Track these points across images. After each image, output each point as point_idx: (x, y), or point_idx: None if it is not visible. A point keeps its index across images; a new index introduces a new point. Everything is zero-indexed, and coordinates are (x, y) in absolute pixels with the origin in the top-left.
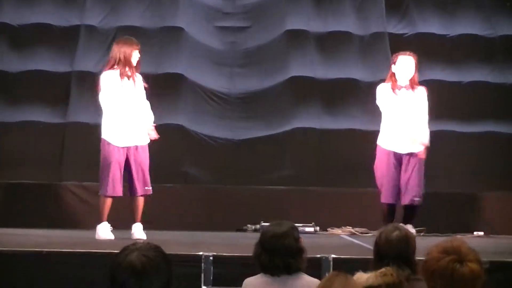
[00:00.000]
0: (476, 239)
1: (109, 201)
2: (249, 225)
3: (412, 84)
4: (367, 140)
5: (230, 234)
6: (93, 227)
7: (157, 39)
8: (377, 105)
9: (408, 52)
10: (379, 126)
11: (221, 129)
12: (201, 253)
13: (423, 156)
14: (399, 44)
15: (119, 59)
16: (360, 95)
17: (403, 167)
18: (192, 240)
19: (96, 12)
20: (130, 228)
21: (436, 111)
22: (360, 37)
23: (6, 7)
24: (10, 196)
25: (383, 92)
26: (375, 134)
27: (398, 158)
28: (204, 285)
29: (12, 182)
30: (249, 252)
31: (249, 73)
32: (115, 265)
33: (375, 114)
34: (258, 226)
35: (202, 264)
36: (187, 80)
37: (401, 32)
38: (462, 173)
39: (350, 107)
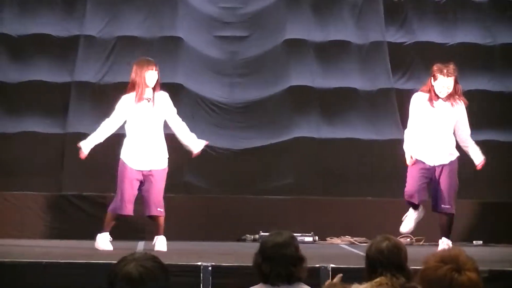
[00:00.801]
0: (475, 248)
1: (115, 217)
2: (248, 235)
3: (452, 98)
4: (367, 149)
5: (229, 244)
6: (93, 237)
7: (156, 49)
8: (378, 114)
9: (448, 72)
10: (378, 135)
11: (221, 138)
12: (199, 263)
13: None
14: (398, 53)
15: (135, 82)
16: (359, 104)
17: (435, 178)
18: (191, 250)
19: (95, 22)
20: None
21: None
22: (359, 46)
23: (6, 18)
24: (10, 207)
25: (416, 102)
26: (374, 143)
27: (429, 169)
28: None
29: (11, 192)
30: (248, 262)
31: (249, 82)
32: (112, 275)
33: (375, 123)
34: (257, 236)
35: (201, 274)
36: (187, 89)
37: (400, 41)
38: (460, 182)
39: (349, 116)
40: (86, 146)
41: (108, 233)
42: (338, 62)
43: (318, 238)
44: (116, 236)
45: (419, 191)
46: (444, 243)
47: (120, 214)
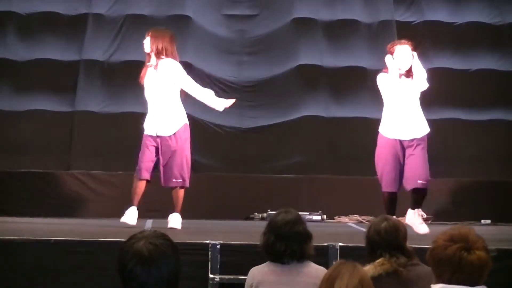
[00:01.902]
0: (483, 227)
1: (140, 185)
2: (256, 214)
3: (411, 72)
4: (375, 128)
5: (237, 223)
6: (101, 215)
7: (164, 27)
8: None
9: (403, 41)
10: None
11: (229, 117)
12: (208, 241)
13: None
14: (407, 32)
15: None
16: (368, 83)
17: (407, 153)
18: (199, 228)
19: (103, 0)
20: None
21: (444, 99)
22: (368, 25)
23: None
24: (18, 185)
25: (384, 80)
26: None
27: (401, 146)
28: (211, 273)
29: (20, 170)
30: (256, 241)
31: (257, 61)
32: (122, 253)
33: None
34: (265, 214)
35: (209, 252)
36: (195, 68)
37: (409, 20)
38: (469, 161)
39: (358, 95)
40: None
41: (135, 207)
42: (347, 41)
43: (326, 216)
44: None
45: (395, 183)
46: (416, 214)
47: (139, 179)
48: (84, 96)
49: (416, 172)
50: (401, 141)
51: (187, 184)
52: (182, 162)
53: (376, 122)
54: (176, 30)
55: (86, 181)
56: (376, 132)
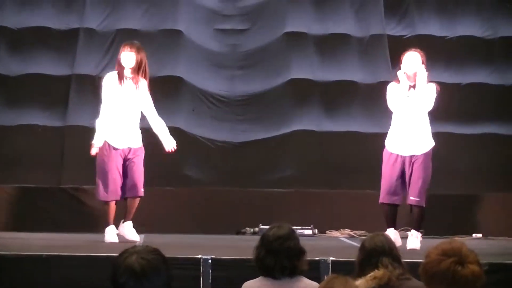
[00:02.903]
0: (474, 241)
1: (111, 204)
2: (247, 228)
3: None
4: (366, 142)
5: (229, 237)
6: (92, 230)
7: (156, 42)
8: (378, 107)
9: (413, 48)
10: (378, 128)
11: (221, 131)
12: (199, 256)
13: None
14: (398, 46)
15: (116, 61)
16: (359, 97)
17: (407, 170)
18: (191, 243)
19: (95, 15)
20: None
21: (436, 113)
22: (359, 39)
23: (6, 10)
24: (9, 199)
25: (392, 91)
26: (374, 136)
27: (403, 161)
28: None
29: (11, 185)
30: (248, 255)
31: (249, 75)
32: (115, 268)
33: (375, 116)
34: (257, 229)
35: (201, 267)
36: (187, 83)
37: (400, 33)
38: (461, 175)
39: (349, 109)
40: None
41: (113, 225)
42: (338, 55)
43: (318, 231)
44: (116, 229)
45: (388, 195)
46: (414, 235)
47: (107, 201)
48: (76, 111)
49: (416, 190)
50: (403, 157)
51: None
52: (141, 173)
53: (368, 136)
54: (168, 44)
55: (78, 195)
56: (368, 145)
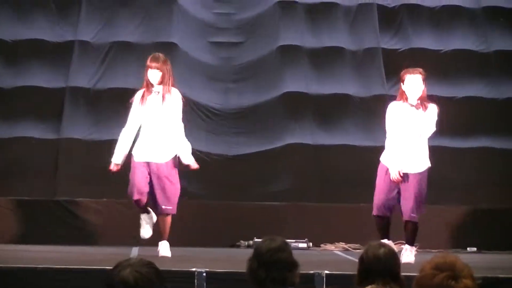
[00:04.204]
0: (469, 255)
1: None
2: (242, 241)
3: (423, 103)
4: (360, 155)
5: (223, 250)
6: (86, 242)
7: (151, 55)
8: (372, 120)
9: (415, 70)
10: (372, 141)
11: (215, 144)
12: (194, 269)
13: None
14: (393, 59)
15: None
16: (353, 110)
17: (402, 186)
18: (185, 256)
19: (90, 27)
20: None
21: None
22: (353, 52)
23: (0, 23)
24: (3, 212)
25: (391, 111)
26: (368, 149)
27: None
28: None
29: (5, 198)
30: (242, 268)
31: (243, 88)
32: (108, 281)
33: (369, 129)
34: (251, 242)
35: (195, 280)
36: (181, 95)
37: (395, 47)
38: (455, 188)
39: (343, 122)
40: (117, 160)
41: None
42: (332, 68)
43: (312, 244)
44: (109, 242)
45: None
46: (408, 250)
47: (134, 200)
48: (70, 123)
49: (409, 206)
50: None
51: (175, 211)
52: (172, 189)
53: (362, 149)
54: None
55: (72, 208)
56: (362, 158)
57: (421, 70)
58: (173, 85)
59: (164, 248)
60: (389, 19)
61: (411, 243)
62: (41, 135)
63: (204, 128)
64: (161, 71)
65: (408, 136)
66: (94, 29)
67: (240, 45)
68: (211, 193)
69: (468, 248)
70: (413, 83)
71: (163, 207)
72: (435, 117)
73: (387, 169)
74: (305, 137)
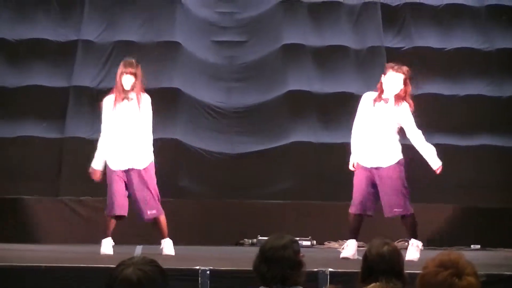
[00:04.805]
0: (472, 252)
1: (112, 220)
2: (246, 239)
3: (397, 100)
4: None
5: (227, 248)
6: (90, 241)
7: (154, 54)
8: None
9: (400, 69)
10: None
11: (218, 143)
12: (198, 267)
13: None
14: (396, 58)
15: (116, 83)
16: (356, 109)
17: (378, 181)
18: (189, 254)
19: (93, 27)
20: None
21: (433, 124)
22: (357, 51)
23: (3, 22)
24: (7, 211)
25: (364, 102)
26: None
27: (372, 173)
28: None
29: (9, 197)
30: (246, 266)
31: (246, 87)
32: (111, 280)
33: None
34: (255, 240)
35: (199, 278)
36: (184, 94)
37: (398, 46)
38: (458, 187)
39: (346, 121)
40: (97, 166)
41: (110, 238)
42: (336, 67)
43: (316, 242)
44: (113, 240)
45: (358, 205)
46: (414, 245)
47: (114, 215)
48: (73, 123)
49: (391, 200)
50: (371, 169)
51: (162, 211)
52: (154, 193)
53: None
54: (165, 56)
55: (75, 207)
56: None
57: (406, 69)
58: (143, 91)
59: (167, 246)
60: (393, 17)
61: (415, 236)
62: (44, 135)
63: (207, 127)
64: (135, 77)
65: (376, 129)
66: (97, 29)
67: (243, 44)
68: (215, 191)
69: (472, 246)
70: (392, 80)
71: (148, 212)
72: (410, 119)
73: (360, 167)
74: (308, 136)
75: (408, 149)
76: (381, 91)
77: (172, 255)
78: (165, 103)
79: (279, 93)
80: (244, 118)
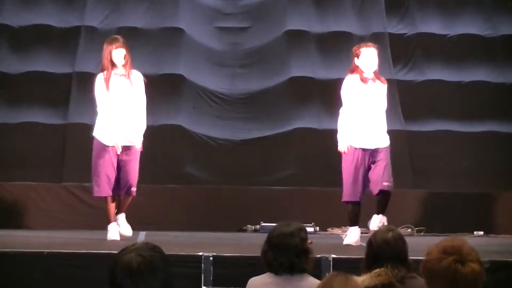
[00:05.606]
0: (476, 239)
1: (109, 202)
2: (249, 226)
3: (376, 76)
4: None
5: (230, 235)
6: (93, 227)
7: (157, 40)
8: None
9: (370, 44)
10: None
11: (221, 129)
12: (201, 253)
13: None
14: (399, 44)
15: (104, 61)
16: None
17: (371, 161)
18: (192, 240)
19: (96, 13)
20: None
21: (436, 111)
22: (360, 37)
23: (7, 8)
24: (11, 197)
25: (350, 85)
26: None
27: (364, 154)
28: (204, 285)
29: (12, 183)
30: (249, 253)
31: (250, 73)
32: (113, 266)
33: None
34: (258, 226)
35: (202, 264)
36: (188, 80)
37: (401, 32)
38: (462, 173)
39: None
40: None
41: (114, 222)
42: (339, 53)
43: (319, 228)
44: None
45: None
46: (382, 221)
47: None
48: (77, 109)
49: (381, 176)
50: (364, 150)
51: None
52: (137, 171)
53: None
54: (169, 42)
55: (79, 193)
56: None
57: (374, 44)
58: (131, 67)
59: (122, 222)
60: (396, 3)
61: (383, 212)
62: (48, 121)
63: (211, 114)
64: (125, 49)
65: (368, 110)
66: (101, 15)
67: (246, 30)
68: (219, 178)
69: (475, 232)
70: (369, 56)
71: (132, 189)
72: (385, 93)
73: (355, 150)
74: (312, 122)
75: (420, 137)
76: (361, 72)
77: (127, 235)
78: (169, 89)
79: (283, 79)
80: (247, 104)
